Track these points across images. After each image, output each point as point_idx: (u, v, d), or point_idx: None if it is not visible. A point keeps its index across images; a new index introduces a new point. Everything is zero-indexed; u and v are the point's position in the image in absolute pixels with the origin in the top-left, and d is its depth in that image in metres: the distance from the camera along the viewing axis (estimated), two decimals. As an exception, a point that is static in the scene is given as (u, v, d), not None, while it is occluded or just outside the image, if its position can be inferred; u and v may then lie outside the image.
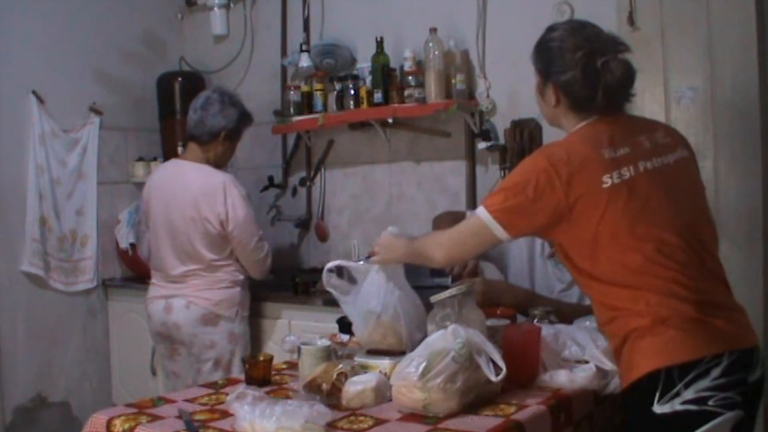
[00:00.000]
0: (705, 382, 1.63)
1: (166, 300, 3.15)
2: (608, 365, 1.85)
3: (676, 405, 1.63)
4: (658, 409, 1.64)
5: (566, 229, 1.76)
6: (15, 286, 3.73)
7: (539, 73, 1.91)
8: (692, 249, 1.75)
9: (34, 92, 3.77)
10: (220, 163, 3.22)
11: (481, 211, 1.81)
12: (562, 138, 1.90)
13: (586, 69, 1.79)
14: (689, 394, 1.62)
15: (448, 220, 2.38)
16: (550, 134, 3.18)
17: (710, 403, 1.62)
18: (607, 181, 1.73)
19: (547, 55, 1.86)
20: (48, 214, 3.80)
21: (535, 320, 2.16)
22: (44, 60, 3.82)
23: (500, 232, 1.79)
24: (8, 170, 3.72)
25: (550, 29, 1.90)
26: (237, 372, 3.03)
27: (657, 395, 1.64)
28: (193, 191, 3.09)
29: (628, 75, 1.83)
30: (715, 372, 1.63)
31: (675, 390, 1.63)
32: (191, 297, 3.11)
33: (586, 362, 1.87)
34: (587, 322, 2.09)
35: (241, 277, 3.20)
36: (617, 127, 1.84)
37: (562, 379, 1.85)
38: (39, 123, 3.78)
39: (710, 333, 1.67)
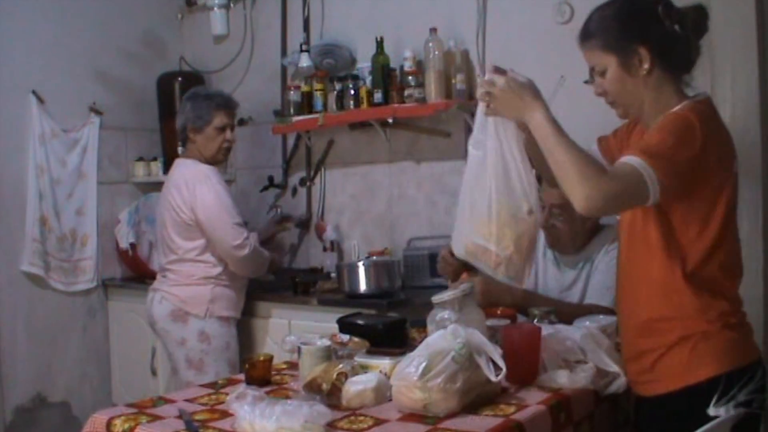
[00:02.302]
0: (752, 385, 1.64)
1: (152, 293, 3.23)
2: (611, 366, 1.84)
3: (731, 408, 1.62)
4: (713, 411, 1.62)
5: (689, 201, 1.64)
6: (15, 286, 3.73)
7: (614, 49, 1.70)
8: None
9: (34, 92, 3.77)
10: (207, 156, 3.19)
11: (644, 167, 1.55)
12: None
13: (673, 20, 1.67)
14: (741, 396, 1.63)
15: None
16: (550, 134, 3.18)
17: (754, 405, 1.64)
18: (736, 168, 1.69)
19: (620, 24, 1.70)
20: (48, 213, 3.80)
21: (535, 320, 2.16)
22: (44, 60, 3.82)
23: (654, 196, 1.56)
24: (8, 170, 3.72)
25: (598, 10, 1.74)
26: (212, 372, 3.03)
27: (715, 398, 1.62)
28: (173, 181, 3.17)
29: (706, 15, 1.72)
30: (758, 374, 1.66)
31: (731, 393, 1.62)
32: (164, 292, 3.16)
33: (586, 362, 1.87)
34: (587, 322, 2.09)
35: (215, 272, 3.15)
36: None
37: (562, 379, 1.85)
38: (39, 123, 3.78)
39: (753, 337, 1.73)
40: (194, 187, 3.09)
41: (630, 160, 1.57)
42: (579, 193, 1.55)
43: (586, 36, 1.76)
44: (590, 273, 2.46)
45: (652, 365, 1.72)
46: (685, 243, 1.66)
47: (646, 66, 1.69)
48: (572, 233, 2.46)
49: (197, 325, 3.12)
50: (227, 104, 3.24)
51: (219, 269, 3.16)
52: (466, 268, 2.42)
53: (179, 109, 3.27)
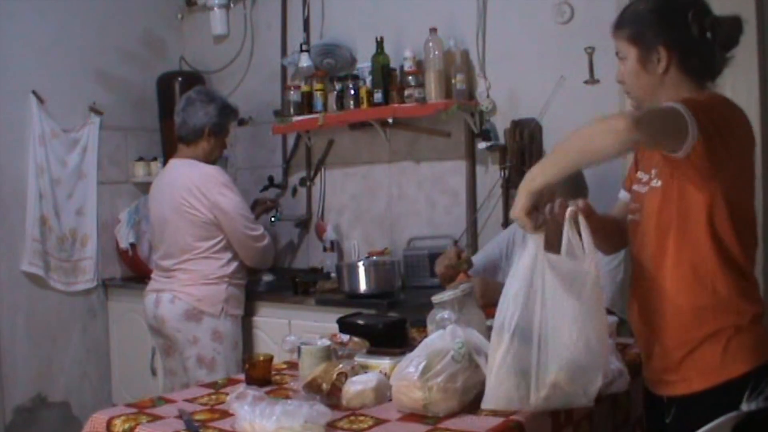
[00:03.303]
0: None
1: (156, 294, 3.20)
2: (611, 365, 1.84)
3: (760, 402, 1.63)
4: (745, 406, 1.62)
5: (721, 182, 1.63)
6: (15, 286, 3.73)
7: (637, 43, 1.74)
8: None
9: (34, 92, 3.77)
10: (208, 159, 3.26)
11: (678, 104, 1.56)
12: None
13: (700, 28, 1.69)
14: None
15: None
16: (550, 134, 3.19)
17: None
18: (753, 156, 1.71)
19: (649, 20, 1.73)
20: (48, 213, 3.80)
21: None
22: (44, 60, 3.82)
23: (693, 131, 1.53)
24: (8, 170, 3.72)
25: (635, 2, 1.78)
26: (222, 371, 3.04)
27: (747, 394, 1.62)
28: (181, 183, 3.16)
29: (740, 29, 1.73)
30: None
31: (760, 387, 1.63)
32: (177, 291, 3.15)
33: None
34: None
35: (229, 271, 3.19)
36: None
37: (562, 379, 1.84)
38: (39, 123, 3.78)
39: None
40: (209, 188, 3.12)
41: (667, 103, 1.58)
42: (620, 118, 1.50)
43: (618, 24, 1.80)
44: None
45: (679, 363, 1.70)
46: (718, 227, 1.66)
47: (662, 65, 1.72)
48: (559, 233, 2.45)
49: (211, 324, 3.13)
50: (236, 118, 3.47)
51: (233, 267, 3.20)
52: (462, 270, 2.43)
53: (196, 107, 3.24)
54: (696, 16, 1.70)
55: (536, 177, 1.60)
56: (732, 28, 1.72)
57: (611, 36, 1.82)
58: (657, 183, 1.74)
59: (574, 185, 2.54)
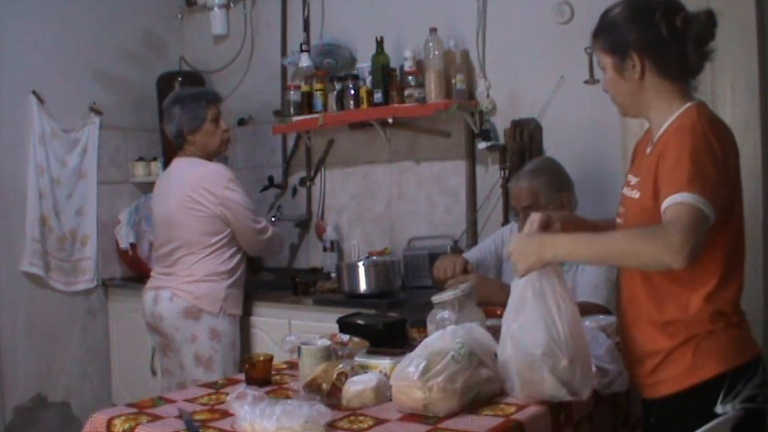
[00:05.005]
0: (756, 380, 1.66)
1: (155, 291, 3.19)
2: (611, 365, 1.84)
3: (737, 404, 1.63)
4: (720, 409, 1.63)
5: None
6: (15, 286, 3.73)
7: (612, 52, 1.76)
8: None
9: (34, 92, 3.77)
10: (210, 152, 3.24)
11: (692, 198, 1.55)
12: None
13: (669, 27, 1.69)
14: (746, 392, 1.64)
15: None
16: (550, 134, 3.19)
17: (758, 400, 1.65)
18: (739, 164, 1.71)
19: (619, 28, 1.75)
20: (48, 213, 3.80)
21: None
22: (44, 60, 3.82)
23: (712, 213, 1.56)
24: (8, 170, 3.72)
25: (607, 11, 1.79)
26: (219, 370, 3.05)
27: (721, 395, 1.63)
28: (187, 181, 3.16)
29: (714, 23, 1.71)
30: (760, 369, 1.68)
31: (736, 389, 1.64)
32: (176, 289, 3.14)
33: (586, 362, 1.87)
34: (587, 322, 2.09)
35: (230, 266, 3.18)
36: None
37: (562, 378, 1.85)
38: (39, 123, 3.78)
39: (751, 333, 1.74)
40: (216, 184, 3.12)
41: (680, 198, 1.56)
42: (667, 256, 1.51)
43: (594, 35, 1.83)
44: (576, 272, 2.47)
45: (656, 367, 1.72)
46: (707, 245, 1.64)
47: (637, 70, 1.74)
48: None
49: (210, 322, 3.12)
50: (216, 98, 3.31)
51: (234, 262, 3.20)
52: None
53: (166, 116, 3.23)
54: (664, 16, 1.69)
55: (547, 250, 1.65)
56: (705, 23, 1.71)
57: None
58: (636, 194, 1.75)
59: (557, 181, 2.55)
